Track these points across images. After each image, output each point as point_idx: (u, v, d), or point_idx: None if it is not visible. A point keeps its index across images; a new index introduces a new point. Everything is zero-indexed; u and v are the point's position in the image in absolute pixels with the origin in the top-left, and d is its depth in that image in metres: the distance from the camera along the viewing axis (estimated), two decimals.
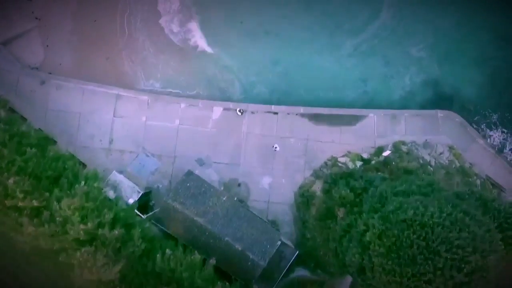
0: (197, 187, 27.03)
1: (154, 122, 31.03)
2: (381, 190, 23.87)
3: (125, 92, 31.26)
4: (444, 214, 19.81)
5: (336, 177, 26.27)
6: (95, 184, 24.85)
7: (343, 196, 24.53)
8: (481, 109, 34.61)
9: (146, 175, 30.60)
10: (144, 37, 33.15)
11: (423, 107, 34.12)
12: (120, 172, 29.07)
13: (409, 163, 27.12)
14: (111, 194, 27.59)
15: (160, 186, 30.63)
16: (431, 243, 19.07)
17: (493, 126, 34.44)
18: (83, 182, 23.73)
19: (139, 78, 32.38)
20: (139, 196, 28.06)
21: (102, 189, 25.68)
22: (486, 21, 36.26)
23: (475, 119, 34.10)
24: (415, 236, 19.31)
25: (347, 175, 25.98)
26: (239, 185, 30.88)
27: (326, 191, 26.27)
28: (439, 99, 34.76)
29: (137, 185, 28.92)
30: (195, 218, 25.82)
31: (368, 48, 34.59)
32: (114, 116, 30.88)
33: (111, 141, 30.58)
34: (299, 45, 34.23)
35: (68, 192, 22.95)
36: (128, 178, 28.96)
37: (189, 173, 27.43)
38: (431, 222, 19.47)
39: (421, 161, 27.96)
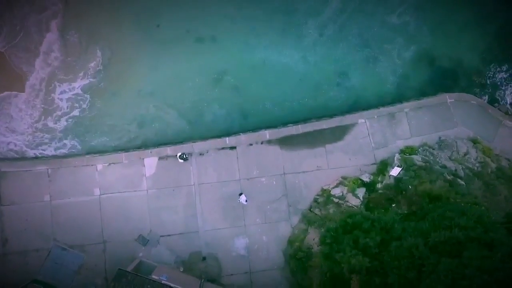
0: None
1: (63, 200, 21.43)
2: (410, 245, 15.47)
3: (10, 166, 21.58)
4: None
5: (337, 233, 17.73)
6: None
7: (354, 265, 16.08)
8: (495, 77, 26.67)
9: (68, 278, 21.15)
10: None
11: (423, 92, 26.05)
12: None
13: (432, 183, 18.90)
14: None
15: None
16: None
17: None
18: None
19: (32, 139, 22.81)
20: None
21: None
22: None
23: (491, 92, 26.29)
24: None
25: (352, 227, 17.45)
26: (204, 259, 21.82)
27: (327, 256, 17.69)
28: (440, 77, 26.63)
29: None
30: None
31: (337, 29, 25.77)
32: (1, 205, 21.25)
33: (4, 243, 21.00)
34: (247, 45, 25.08)
35: None
36: None
37: (120, 275, 18.04)
38: None
39: (446, 175, 19.78)
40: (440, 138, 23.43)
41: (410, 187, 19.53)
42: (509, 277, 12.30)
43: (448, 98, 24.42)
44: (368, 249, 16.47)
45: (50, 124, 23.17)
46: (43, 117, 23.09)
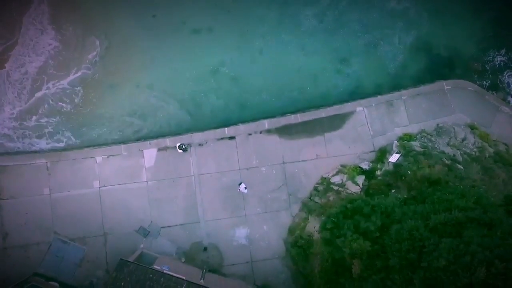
0: (138, 283, 17.96)
1: (62, 193, 21.39)
2: (410, 228, 15.58)
3: (9, 160, 21.54)
4: None
5: (337, 218, 17.81)
6: None
7: (355, 249, 16.16)
8: (494, 61, 26.56)
9: (70, 270, 21.16)
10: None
11: (421, 80, 25.92)
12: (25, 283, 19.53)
13: (431, 168, 19.01)
14: None
15: (95, 280, 21.30)
16: None
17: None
18: None
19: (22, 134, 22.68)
20: None
21: None
22: None
23: (492, 78, 26.28)
24: None
25: (352, 212, 17.54)
26: (205, 249, 21.86)
27: (328, 242, 17.78)
28: (439, 65, 26.44)
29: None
30: None
31: (336, 16, 25.62)
32: (1, 199, 21.14)
33: (5, 237, 20.94)
34: (244, 35, 25.06)
35: None
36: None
37: (122, 265, 18.04)
38: None
39: (445, 160, 19.89)
40: (438, 124, 23.56)
41: (409, 172, 19.64)
42: (510, 253, 12.46)
43: (445, 85, 24.53)
44: (369, 233, 16.62)
45: (47, 117, 23.16)
46: (41, 111, 23.07)
